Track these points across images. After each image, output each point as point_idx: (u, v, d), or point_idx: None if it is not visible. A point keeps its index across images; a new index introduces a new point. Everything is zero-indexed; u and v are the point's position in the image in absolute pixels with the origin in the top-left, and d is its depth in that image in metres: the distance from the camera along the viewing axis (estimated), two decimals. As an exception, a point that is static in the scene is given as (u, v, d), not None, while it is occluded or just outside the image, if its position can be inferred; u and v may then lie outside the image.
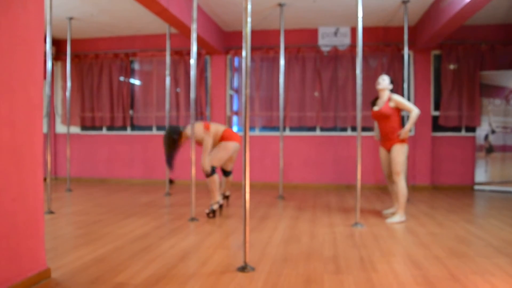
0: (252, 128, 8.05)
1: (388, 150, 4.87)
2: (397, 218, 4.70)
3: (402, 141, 4.74)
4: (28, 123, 2.67)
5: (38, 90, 2.77)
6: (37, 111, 2.76)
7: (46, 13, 5.31)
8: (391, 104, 4.72)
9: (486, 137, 7.25)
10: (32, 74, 2.70)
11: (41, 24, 2.79)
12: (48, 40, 5.24)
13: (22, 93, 2.61)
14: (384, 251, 3.51)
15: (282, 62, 6.46)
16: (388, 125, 4.78)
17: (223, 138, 5.00)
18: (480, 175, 7.28)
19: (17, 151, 2.58)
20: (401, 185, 4.69)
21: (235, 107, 8.22)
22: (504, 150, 7.10)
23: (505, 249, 3.55)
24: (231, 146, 4.98)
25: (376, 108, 4.87)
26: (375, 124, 5.17)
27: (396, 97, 4.73)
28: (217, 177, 4.90)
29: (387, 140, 4.83)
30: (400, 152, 4.71)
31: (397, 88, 7.49)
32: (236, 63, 8.11)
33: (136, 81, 8.46)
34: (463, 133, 7.55)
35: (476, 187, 7.31)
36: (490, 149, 7.21)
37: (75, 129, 8.67)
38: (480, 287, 2.65)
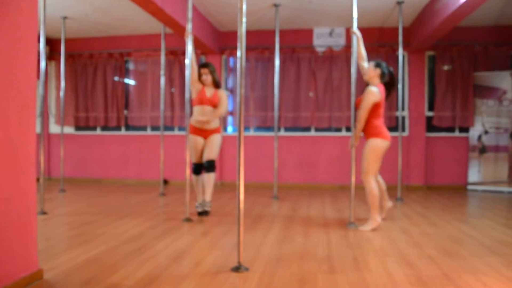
0: (246, 128, 8.05)
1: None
2: (369, 224, 4.30)
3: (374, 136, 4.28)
4: (21, 123, 2.65)
5: (32, 89, 2.75)
6: (30, 111, 2.74)
7: (39, 12, 5.29)
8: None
9: (479, 137, 7.29)
10: (25, 73, 2.69)
11: (35, 23, 2.78)
12: (42, 39, 5.21)
13: (15, 92, 2.60)
14: (377, 251, 3.52)
15: (277, 62, 6.47)
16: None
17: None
18: (473, 175, 7.31)
19: (10, 151, 2.56)
20: (370, 186, 4.25)
21: (230, 107, 8.22)
22: (497, 151, 7.14)
23: (497, 249, 3.57)
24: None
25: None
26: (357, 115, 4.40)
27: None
28: (193, 177, 5.08)
29: (365, 134, 4.37)
30: (371, 148, 4.26)
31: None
32: (231, 63, 8.11)
33: (130, 81, 8.43)
34: (456, 133, 7.59)
35: (469, 187, 7.35)
36: (483, 150, 7.25)
37: (69, 129, 8.63)
38: (473, 286, 2.66)
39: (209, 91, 4.99)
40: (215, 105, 4.97)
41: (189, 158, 4.89)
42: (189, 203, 4.78)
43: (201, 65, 5.01)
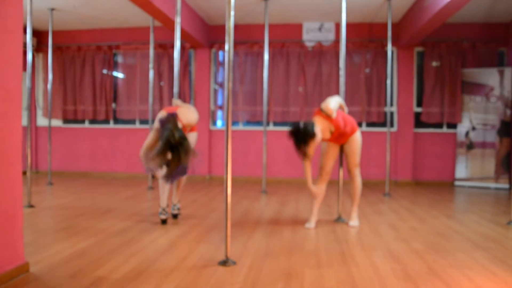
0: (235, 122, 8.04)
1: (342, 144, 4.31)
2: (356, 220, 4.34)
3: (356, 129, 4.23)
4: (5, 116, 2.62)
5: (17, 82, 2.71)
6: (15, 103, 2.70)
7: (26, 3, 5.21)
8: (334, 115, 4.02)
9: (467, 133, 7.35)
10: (9, 65, 2.65)
11: (20, 13, 2.74)
12: (29, 31, 5.13)
13: (-1, 84, 2.57)
14: (365, 245, 3.55)
15: (266, 56, 6.45)
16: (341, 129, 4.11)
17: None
18: (461, 171, 7.39)
19: (-5, 143, 2.53)
20: (360, 179, 4.37)
21: (219, 101, 8.20)
22: (484, 147, 7.22)
23: (483, 244, 3.61)
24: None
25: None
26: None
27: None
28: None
29: (343, 136, 4.19)
30: (359, 141, 4.25)
31: (380, 84, 7.56)
32: (220, 57, 8.08)
33: (119, 74, 8.36)
34: (444, 129, 7.64)
35: (457, 182, 7.42)
36: (470, 146, 7.32)
37: (57, 122, 8.54)
38: (458, 281, 2.69)
39: None
40: None
41: None
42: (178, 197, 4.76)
43: None
